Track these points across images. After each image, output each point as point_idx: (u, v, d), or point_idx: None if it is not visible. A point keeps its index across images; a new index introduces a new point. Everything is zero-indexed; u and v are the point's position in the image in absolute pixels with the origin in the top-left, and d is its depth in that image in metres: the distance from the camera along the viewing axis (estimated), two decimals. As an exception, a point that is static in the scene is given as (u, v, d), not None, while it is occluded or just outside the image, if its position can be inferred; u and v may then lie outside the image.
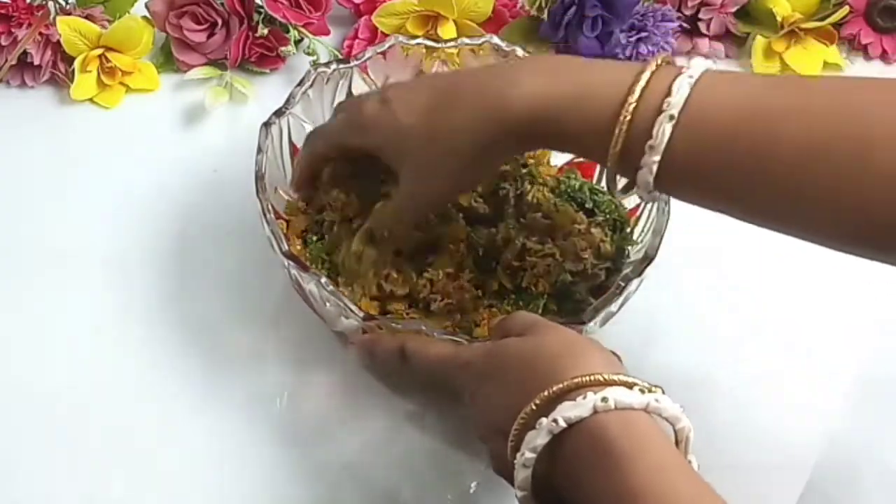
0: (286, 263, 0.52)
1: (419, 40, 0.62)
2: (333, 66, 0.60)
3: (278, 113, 0.57)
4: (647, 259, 0.54)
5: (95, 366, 0.59)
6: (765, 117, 0.41)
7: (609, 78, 0.44)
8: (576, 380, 0.41)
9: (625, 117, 0.43)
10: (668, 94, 0.42)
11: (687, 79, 0.42)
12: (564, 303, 0.57)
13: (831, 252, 0.64)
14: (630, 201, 0.59)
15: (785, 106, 0.41)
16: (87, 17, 0.70)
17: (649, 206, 0.57)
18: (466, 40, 0.62)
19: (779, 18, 0.75)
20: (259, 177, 0.54)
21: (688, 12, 0.76)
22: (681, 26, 0.76)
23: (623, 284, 0.53)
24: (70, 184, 0.67)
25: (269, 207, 0.53)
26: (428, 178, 0.51)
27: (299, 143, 0.59)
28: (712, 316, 0.63)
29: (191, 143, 0.69)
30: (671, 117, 0.42)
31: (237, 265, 0.62)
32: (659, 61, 0.44)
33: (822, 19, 0.75)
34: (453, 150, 0.48)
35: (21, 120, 0.70)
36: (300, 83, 0.58)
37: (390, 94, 0.51)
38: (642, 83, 0.43)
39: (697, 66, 0.44)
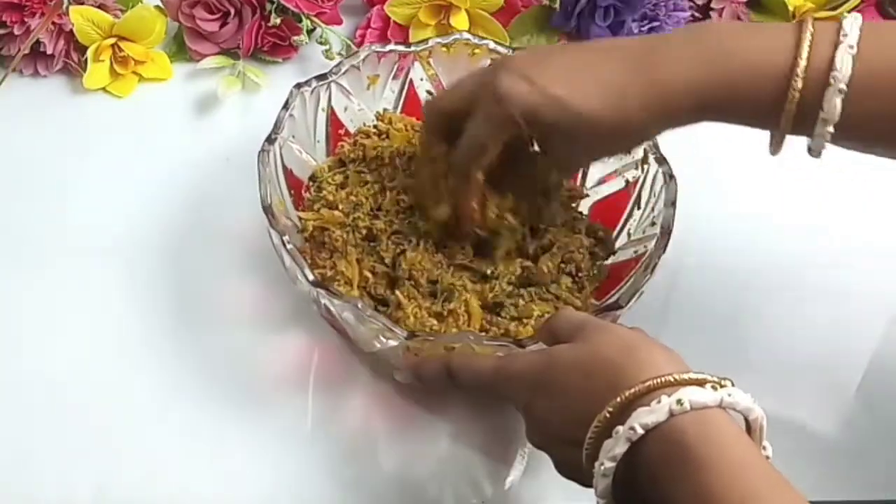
0: (315, 293, 0.51)
1: (391, 46, 0.62)
2: (314, 84, 0.60)
3: (270, 140, 0.56)
4: (667, 232, 0.54)
5: (108, 354, 0.59)
6: None
7: (766, 54, 0.45)
8: (647, 383, 0.40)
9: (793, 96, 0.44)
10: (832, 66, 0.44)
11: (848, 49, 0.44)
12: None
13: (840, 244, 0.65)
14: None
15: None
16: (99, 7, 0.70)
17: (649, 182, 0.58)
18: (438, 40, 0.62)
19: (790, 8, 0.75)
20: (267, 208, 0.53)
21: (700, 1, 0.75)
22: (693, 16, 0.76)
23: (652, 262, 0.53)
24: (82, 173, 0.67)
25: (287, 240, 0.52)
26: (594, 151, 0.53)
27: (291, 166, 0.59)
28: (721, 303, 0.63)
29: (203, 132, 0.69)
30: (840, 91, 0.44)
31: (250, 254, 0.62)
32: (811, 26, 0.45)
33: (834, 9, 0.75)
34: (627, 136, 0.50)
35: (34, 109, 0.70)
36: (285, 105, 0.58)
37: (535, 75, 0.48)
38: (803, 60, 0.44)
39: (852, 26, 0.44)
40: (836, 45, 0.44)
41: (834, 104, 0.44)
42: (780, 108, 0.45)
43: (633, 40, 0.52)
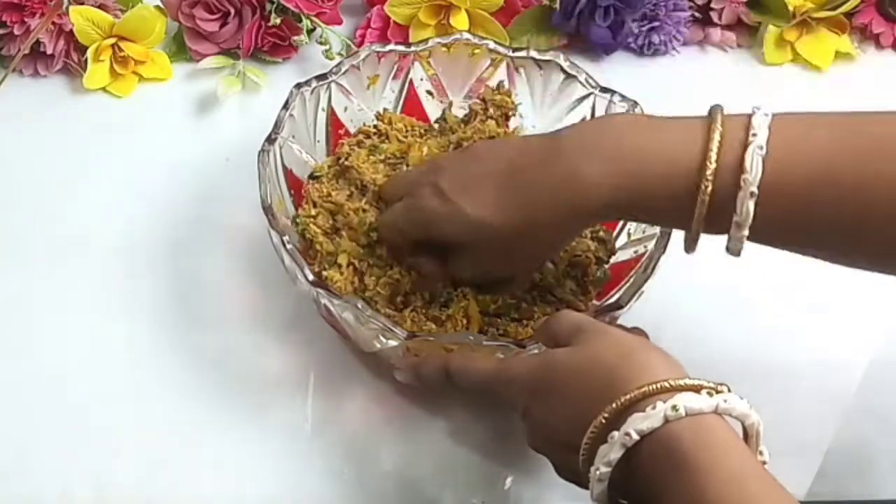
0: (315, 293, 0.52)
1: (391, 46, 0.62)
2: (314, 84, 0.60)
3: (270, 140, 0.56)
4: (667, 232, 0.54)
5: (107, 354, 0.59)
6: (838, 178, 0.43)
7: (675, 154, 0.44)
8: (642, 389, 0.40)
9: (703, 199, 0.44)
10: (742, 169, 0.43)
11: (758, 150, 0.43)
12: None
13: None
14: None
15: (855, 160, 0.43)
16: (99, 7, 0.70)
17: None
18: (438, 40, 0.62)
19: (791, 8, 0.75)
20: (267, 208, 0.53)
21: (700, 1, 0.76)
22: (693, 16, 0.76)
23: (652, 263, 0.53)
24: (82, 173, 0.67)
25: (287, 240, 0.52)
26: (507, 261, 0.53)
27: (291, 166, 0.59)
28: (721, 304, 0.63)
29: (203, 132, 0.69)
30: (751, 194, 0.43)
31: (251, 254, 0.62)
32: (720, 125, 0.44)
33: (834, 9, 0.75)
34: (537, 242, 0.51)
35: (34, 109, 0.70)
36: (285, 105, 0.58)
37: (445, 184, 0.51)
38: (712, 163, 0.43)
39: (761, 125, 0.43)
40: (745, 145, 0.43)
41: (746, 207, 0.43)
42: (692, 210, 0.44)
43: (541, 139, 0.52)
